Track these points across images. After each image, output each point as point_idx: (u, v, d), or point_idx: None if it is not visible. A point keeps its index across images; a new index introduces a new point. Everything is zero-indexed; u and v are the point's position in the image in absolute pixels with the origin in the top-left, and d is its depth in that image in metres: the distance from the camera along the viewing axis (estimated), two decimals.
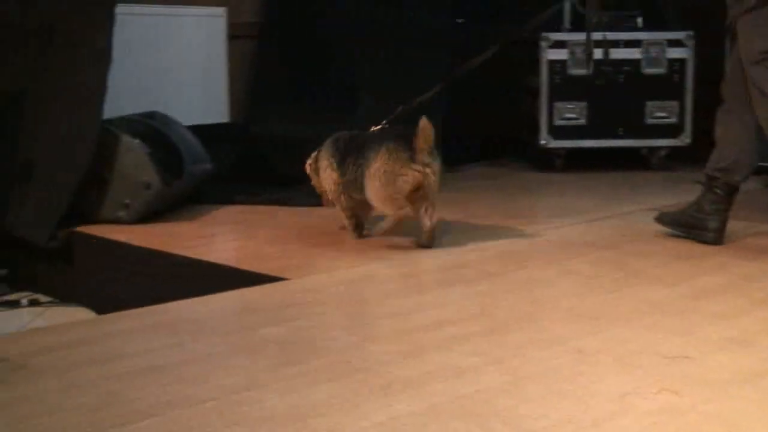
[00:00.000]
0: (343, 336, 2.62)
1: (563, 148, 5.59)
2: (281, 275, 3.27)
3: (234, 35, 5.24)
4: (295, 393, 2.18)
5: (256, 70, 5.32)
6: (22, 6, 4.16)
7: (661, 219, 3.88)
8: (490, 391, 2.20)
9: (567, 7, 5.79)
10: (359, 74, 5.20)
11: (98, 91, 4.07)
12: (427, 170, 3.55)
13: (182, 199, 4.43)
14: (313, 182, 3.95)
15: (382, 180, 3.56)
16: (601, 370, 2.34)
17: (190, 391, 2.18)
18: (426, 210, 3.61)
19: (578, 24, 5.72)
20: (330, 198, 3.85)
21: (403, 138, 3.57)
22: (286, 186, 4.68)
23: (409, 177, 3.54)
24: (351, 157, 3.71)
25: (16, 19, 4.16)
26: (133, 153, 4.10)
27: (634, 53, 5.49)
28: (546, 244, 3.76)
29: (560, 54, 5.48)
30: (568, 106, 5.52)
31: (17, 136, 4.19)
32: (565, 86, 5.50)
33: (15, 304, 4.01)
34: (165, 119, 4.54)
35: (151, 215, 4.17)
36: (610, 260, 3.46)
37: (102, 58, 4.03)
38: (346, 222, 3.86)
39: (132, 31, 4.72)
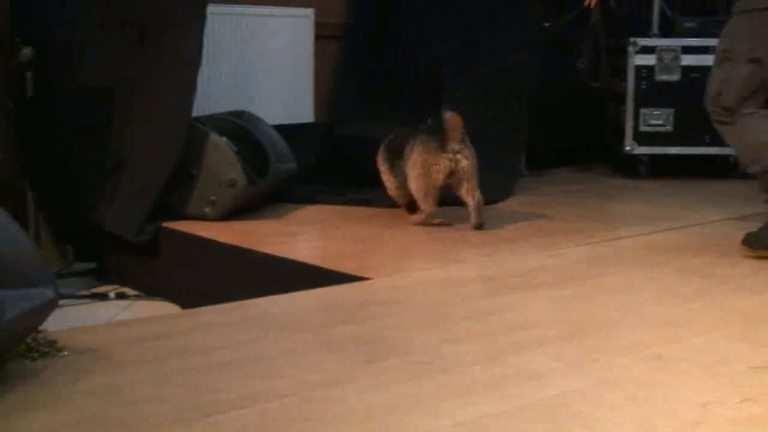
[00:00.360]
0: (422, 336, 2.63)
1: (648, 155, 5.52)
2: (362, 275, 3.30)
3: (320, 35, 5.27)
4: (374, 391, 2.20)
5: (341, 71, 5.34)
6: (115, 4, 4.25)
7: (749, 242, 3.64)
8: (569, 395, 2.20)
9: (656, 11, 5.72)
10: (444, 76, 5.19)
11: (187, 89, 4.12)
12: (458, 156, 3.96)
13: (267, 197, 4.48)
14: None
15: (419, 170, 3.99)
16: (682, 378, 2.32)
17: (272, 386, 2.22)
18: (467, 192, 3.99)
19: (666, 29, 5.65)
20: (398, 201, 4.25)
21: (434, 131, 3.96)
22: (369, 186, 4.67)
23: (440, 166, 3.96)
24: (397, 160, 4.12)
25: (107, 17, 4.25)
26: (220, 151, 4.16)
27: None
28: (629, 251, 3.72)
29: (648, 59, 5.42)
30: (655, 112, 5.46)
31: (108, 132, 4.29)
32: (651, 92, 5.44)
33: (103, 297, 4.11)
34: (252, 118, 4.60)
35: (236, 212, 4.22)
36: (694, 268, 3.42)
37: (192, 57, 4.09)
38: (419, 219, 4.09)
39: (221, 30, 4.80)
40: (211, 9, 4.15)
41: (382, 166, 4.25)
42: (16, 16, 4.11)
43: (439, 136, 3.96)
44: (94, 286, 4.28)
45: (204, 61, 4.24)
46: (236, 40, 4.89)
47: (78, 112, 4.32)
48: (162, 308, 4.01)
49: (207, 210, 4.18)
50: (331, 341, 2.58)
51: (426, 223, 4.07)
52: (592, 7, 3.99)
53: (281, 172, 4.50)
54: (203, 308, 2.97)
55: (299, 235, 4.07)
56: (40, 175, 4.11)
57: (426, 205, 4.06)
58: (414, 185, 4.06)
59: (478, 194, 4.00)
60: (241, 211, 4.26)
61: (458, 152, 3.97)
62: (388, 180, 4.25)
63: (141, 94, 4.24)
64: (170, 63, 4.16)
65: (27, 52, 3.86)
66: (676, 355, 2.48)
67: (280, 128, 4.72)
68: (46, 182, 4.23)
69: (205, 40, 4.18)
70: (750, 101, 3.56)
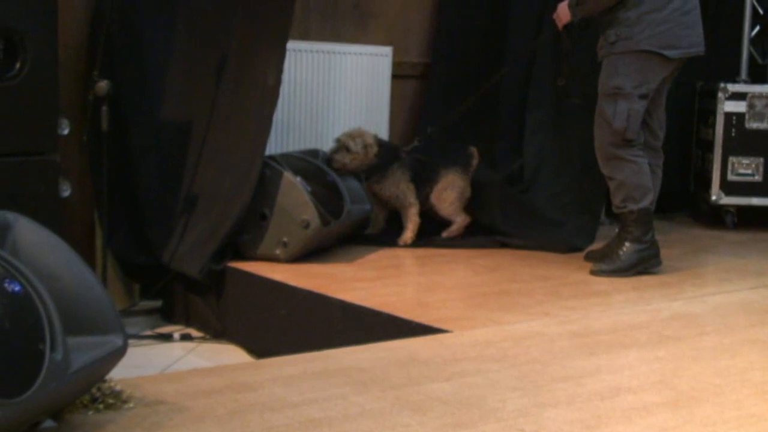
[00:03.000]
0: (514, 398, 2.46)
1: (735, 205, 5.31)
2: (443, 327, 3.17)
3: (397, 75, 5.17)
4: None
5: (421, 110, 5.24)
6: (196, 32, 4.19)
7: None
8: None
9: (745, 57, 5.54)
10: (528, 118, 5.07)
11: (264, 126, 4.03)
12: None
13: (340, 239, 4.38)
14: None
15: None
16: None
17: None
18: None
19: (757, 75, 5.45)
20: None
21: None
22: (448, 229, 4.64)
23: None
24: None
25: (186, 46, 4.20)
26: (294, 190, 4.06)
27: None
28: (724, 308, 3.53)
29: (738, 106, 5.22)
30: (744, 161, 5.25)
31: (181, 167, 4.22)
32: (741, 140, 5.24)
33: (167, 338, 4.02)
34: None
35: (308, 255, 4.12)
36: None
37: (270, 93, 4.00)
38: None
39: (298, 66, 4.72)
40: (289, 45, 4.05)
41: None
42: (94, 49, 4.07)
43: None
44: (159, 326, 4.19)
45: (280, 97, 4.15)
46: (313, 77, 4.80)
47: (152, 146, 4.27)
48: (228, 352, 3.92)
49: (278, 251, 4.08)
50: (417, 401, 2.42)
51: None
52: (560, 29, 4.10)
53: (356, 213, 4.38)
54: (278, 358, 2.84)
55: (374, 280, 3.95)
56: (110, 209, 4.03)
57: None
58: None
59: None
60: (313, 253, 4.15)
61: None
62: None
63: (216, 129, 4.18)
64: (248, 97, 4.08)
65: (103, 85, 3.79)
66: None
67: None
68: (115, 217, 4.16)
69: (282, 76, 4.07)
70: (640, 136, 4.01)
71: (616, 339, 3.09)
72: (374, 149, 4.40)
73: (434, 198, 4.58)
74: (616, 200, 4.03)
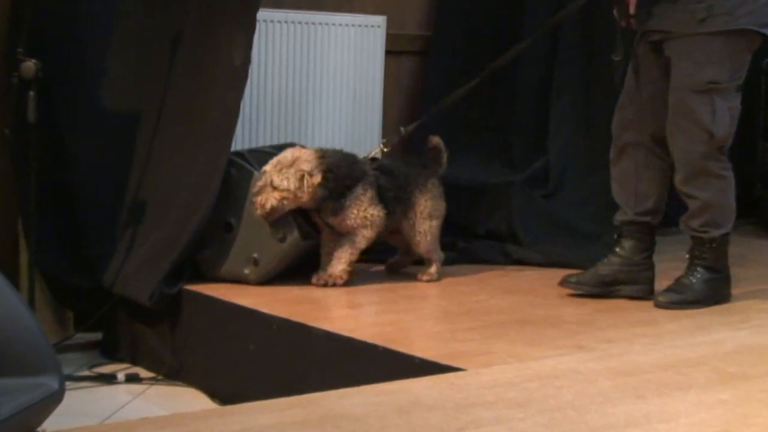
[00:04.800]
0: None
1: None
2: (454, 364, 3.17)
3: (391, 50, 5.19)
4: None
5: (422, 95, 5.25)
6: (145, 13, 4.20)
7: None
8: None
9: None
10: (553, 107, 5.09)
11: (229, 116, 4.05)
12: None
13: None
14: None
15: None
16: None
17: None
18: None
19: None
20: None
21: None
22: (463, 240, 4.70)
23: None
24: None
25: (131, 24, 4.21)
26: None
27: None
28: None
29: None
30: None
31: (126, 169, 4.24)
32: None
33: (110, 379, 4.02)
34: None
35: (284, 274, 4.13)
36: None
37: (236, 76, 4.02)
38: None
39: (271, 42, 4.72)
40: (260, 15, 4.08)
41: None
42: (19, 23, 4.05)
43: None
44: (99, 365, 4.20)
45: (249, 79, 4.17)
46: (289, 55, 4.79)
47: (89, 142, 4.27)
48: (185, 396, 3.93)
49: (247, 271, 4.09)
50: None
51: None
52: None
53: None
54: (248, 404, 2.82)
55: (367, 306, 3.98)
56: (38, 219, 4.03)
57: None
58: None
59: None
60: (290, 272, 4.15)
61: None
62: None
63: (170, 120, 4.18)
64: (209, 81, 4.10)
65: (30, 65, 3.77)
66: None
67: None
68: (44, 229, 4.15)
69: (251, 54, 4.11)
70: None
71: (667, 378, 3.09)
72: (317, 178, 3.96)
73: (407, 228, 4.24)
74: (695, 223, 3.96)
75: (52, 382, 2.20)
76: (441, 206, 4.30)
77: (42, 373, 2.19)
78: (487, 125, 5.07)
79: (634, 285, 4.03)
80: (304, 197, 3.97)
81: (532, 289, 4.22)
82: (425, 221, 4.24)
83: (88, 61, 4.26)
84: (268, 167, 3.98)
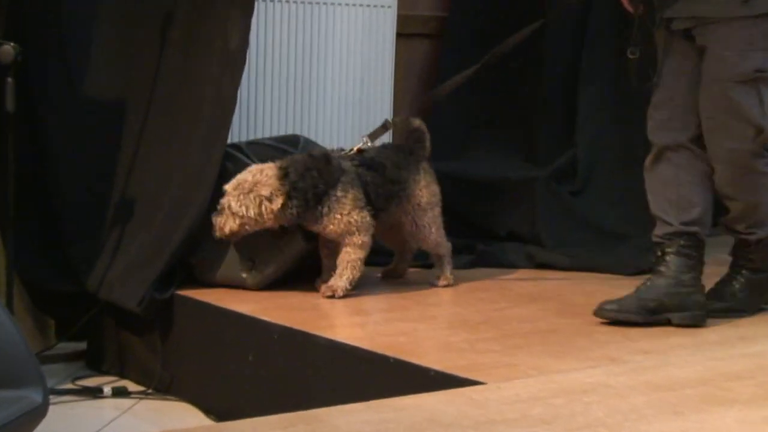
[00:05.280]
0: None
1: None
2: (472, 377, 3.17)
3: (403, 33, 5.20)
4: None
5: (434, 79, 5.26)
6: None
7: None
8: None
9: None
10: (581, 95, 5.09)
11: (225, 105, 4.06)
12: None
13: None
14: None
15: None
16: None
17: None
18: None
19: None
20: None
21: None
22: (482, 241, 4.69)
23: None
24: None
25: (124, 5, 4.22)
26: None
27: None
28: None
29: None
30: None
31: (112, 163, 4.25)
32: None
33: (95, 393, 4.03)
34: (309, 146, 4.48)
35: (285, 279, 4.14)
36: None
37: (233, 60, 4.03)
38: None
39: (271, 23, 4.74)
40: None
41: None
42: None
43: None
44: (84, 377, 4.21)
45: (246, 64, 4.18)
46: (291, 37, 4.82)
47: (71, 133, 4.28)
48: (177, 412, 3.94)
49: (245, 275, 4.10)
50: None
51: None
52: None
53: None
54: (245, 421, 2.83)
55: (375, 313, 3.98)
56: (16, 219, 4.03)
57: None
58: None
59: None
60: (292, 276, 4.17)
61: None
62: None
63: (160, 109, 4.20)
64: (203, 66, 4.11)
65: (9, 50, 3.78)
66: None
67: None
68: (23, 230, 4.16)
69: (249, 37, 4.14)
70: None
71: (708, 393, 3.08)
72: (277, 203, 3.89)
73: (408, 224, 4.20)
74: (740, 225, 3.93)
75: (34, 396, 2.21)
76: (437, 191, 4.27)
77: (24, 386, 2.20)
78: (508, 115, 5.07)
79: (683, 312, 3.83)
80: (267, 222, 3.93)
81: (558, 295, 4.22)
82: (426, 212, 4.21)
83: (70, 45, 4.28)
84: (228, 187, 3.92)
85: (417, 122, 4.31)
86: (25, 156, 4.17)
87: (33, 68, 4.17)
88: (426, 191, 4.22)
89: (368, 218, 4.05)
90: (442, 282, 4.26)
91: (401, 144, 4.34)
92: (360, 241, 4.03)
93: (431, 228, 4.21)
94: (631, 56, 3.84)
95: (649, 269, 4.22)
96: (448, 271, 4.28)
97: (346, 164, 4.08)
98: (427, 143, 4.30)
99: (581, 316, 3.90)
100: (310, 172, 3.97)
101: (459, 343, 3.56)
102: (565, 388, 3.09)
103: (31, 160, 4.25)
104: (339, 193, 3.99)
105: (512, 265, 4.60)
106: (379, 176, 4.11)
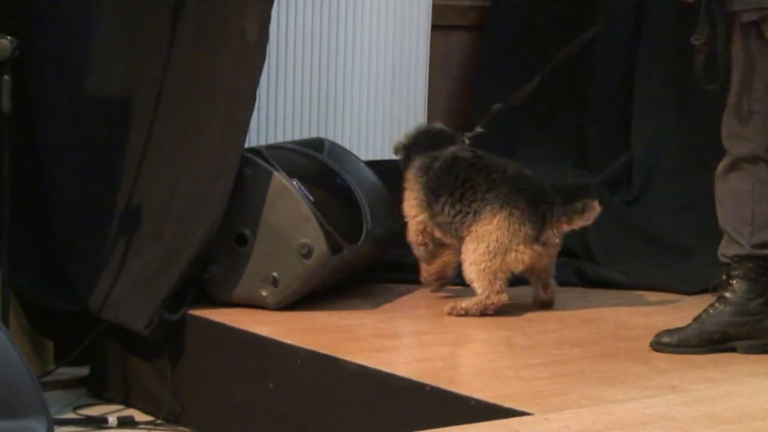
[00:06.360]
0: None
1: None
2: (518, 407, 3.19)
3: (439, 24, 5.22)
4: None
5: (474, 78, 5.28)
6: None
7: None
8: None
9: None
10: (637, 94, 5.10)
11: (242, 104, 4.09)
12: (551, 250, 4.27)
13: (357, 274, 4.43)
14: None
15: (490, 248, 4.16)
16: None
17: None
18: (543, 286, 4.35)
19: None
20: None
21: (533, 199, 4.20)
22: None
23: (526, 257, 4.20)
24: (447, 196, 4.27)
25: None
26: (289, 200, 4.11)
27: None
28: None
29: None
30: None
31: (118, 168, 4.26)
32: None
33: (99, 423, 4.05)
34: (336, 151, 4.55)
35: (309, 297, 4.16)
36: None
37: (251, 55, 4.05)
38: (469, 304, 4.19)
39: (293, 14, 4.77)
40: None
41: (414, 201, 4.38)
42: None
43: (538, 207, 4.18)
44: (86, 405, 4.23)
45: (266, 60, 4.19)
46: (315, 30, 4.85)
47: (72, 137, 4.30)
48: None
49: (265, 293, 4.12)
50: None
51: (473, 311, 4.15)
52: None
53: (381, 235, 4.43)
54: None
55: (408, 336, 4.03)
56: (13, 232, 4.06)
57: (491, 292, 4.16)
58: (472, 260, 4.20)
59: (553, 289, 4.38)
60: (316, 294, 4.19)
61: (552, 245, 4.25)
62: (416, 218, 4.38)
63: (170, 109, 4.22)
64: (217, 61, 4.13)
65: (6, 44, 3.82)
66: None
67: (378, 166, 4.69)
68: (19, 243, 4.19)
69: (269, 29, 4.15)
70: None
71: None
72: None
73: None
74: None
75: (38, 426, 2.21)
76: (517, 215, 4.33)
77: (27, 416, 2.19)
78: (557, 115, 5.07)
79: (750, 340, 3.82)
80: None
81: (614, 316, 4.23)
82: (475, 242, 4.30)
83: (70, 38, 4.30)
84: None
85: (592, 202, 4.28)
86: (21, 161, 4.20)
87: (28, 65, 4.18)
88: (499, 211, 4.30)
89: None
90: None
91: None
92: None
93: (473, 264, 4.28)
94: (695, 42, 3.79)
95: (714, 288, 4.23)
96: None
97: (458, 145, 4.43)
98: None
99: (638, 340, 3.91)
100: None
101: (503, 369, 3.58)
102: (620, 419, 3.10)
103: (27, 166, 4.27)
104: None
105: (562, 283, 4.58)
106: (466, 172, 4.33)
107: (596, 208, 4.16)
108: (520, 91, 4.56)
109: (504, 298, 4.16)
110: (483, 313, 4.13)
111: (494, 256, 4.14)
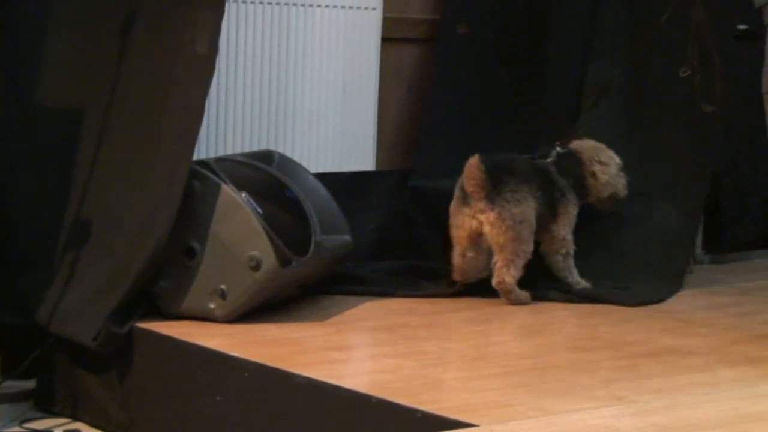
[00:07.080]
0: None
1: None
2: (464, 418, 3.17)
3: (389, 37, 5.23)
4: None
5: (427, 92, 5.29)
6: None
7: None
8: None
9: None
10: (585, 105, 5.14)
11: (192, 117, 4.09)
12: (481, 217, 4.47)
13: (307, 287, 4.43)
14: None
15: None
16: None
17: None
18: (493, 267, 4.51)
19: None
20: None
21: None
22: None
23: (462, 226, 4.53)
24: None
25: (80, 6, 4.23)
26: (237, 213, 4.10)
27: None
28: None
29: None
30: None
31: (65, 180, 4.25)
32: None
33: None
34: (286, 163, 4.56)
35: (258, 310, 4.16)
36: None
37: (201, 67, 4.05)
38: None
39: (243, 26, 4.76)
40: None
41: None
42: None
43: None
44: (32, 419, 4.20)
45: (216, 72, 4.20)
46: (265, 42, 4.85)
47: (19, 149, 4.30)
48: None
49: (213, 305, 4.12)
50: None
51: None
52: None
53: (330, 247, 4.43)
54: None
55: (358, 348, 4.02)
56: None
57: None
58: None
59: (505, 274, 4.46)
60: (266, 307, 4.20)
61: (482, 212, 4.46)
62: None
63: (120, 121, 4.20)
64: (167, 73, 4.13)
65: None
66: None
67: (327, 179, 4.69)
68: None
69: (219, 41, 4.15)
70: None
71: None
72: None
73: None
74: None
75: None
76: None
77: None
78: (512, 114, 5.13)
79: None
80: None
81: (564, 328, 4.28)
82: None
83: (18, 49, 4.29)
84: None
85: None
86: None
87: None
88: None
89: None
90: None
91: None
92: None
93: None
94: (683, 74, 3.83)
95: (657, 302, 4.24)
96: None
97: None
98: None
99: (586, 351, 3.93)
100: None
101: (450, 381, 3.59)
102: (567, 430, 3.11)
103: None
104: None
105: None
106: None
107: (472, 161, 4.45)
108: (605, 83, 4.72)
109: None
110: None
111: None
